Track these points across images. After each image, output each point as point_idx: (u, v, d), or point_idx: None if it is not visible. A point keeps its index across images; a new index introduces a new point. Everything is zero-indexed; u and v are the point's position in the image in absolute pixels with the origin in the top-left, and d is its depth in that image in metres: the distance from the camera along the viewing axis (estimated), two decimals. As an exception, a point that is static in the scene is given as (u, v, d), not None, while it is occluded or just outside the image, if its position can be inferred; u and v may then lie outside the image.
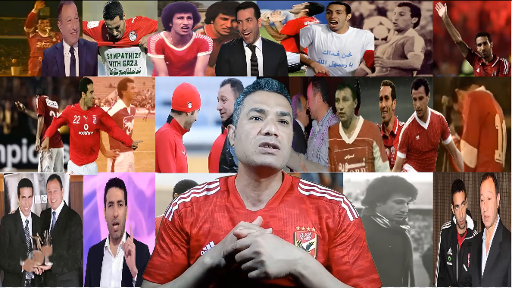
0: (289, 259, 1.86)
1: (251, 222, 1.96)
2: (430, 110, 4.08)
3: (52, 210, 4.09)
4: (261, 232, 1.88)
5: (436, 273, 4.05)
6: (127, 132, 4.19)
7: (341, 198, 2.05)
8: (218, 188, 2.10)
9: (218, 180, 2.13)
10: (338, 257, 2.00)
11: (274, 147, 1.98)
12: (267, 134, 1.98)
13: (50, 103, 4.20)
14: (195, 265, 1.96)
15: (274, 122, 2.00)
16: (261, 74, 4.11)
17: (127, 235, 4.04)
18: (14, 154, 4.19)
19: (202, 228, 2.04)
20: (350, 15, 4.16)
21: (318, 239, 2.00)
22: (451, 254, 4.01)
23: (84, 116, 4.13)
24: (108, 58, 4.19)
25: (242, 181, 2.05)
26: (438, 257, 4.05)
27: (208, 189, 2.11)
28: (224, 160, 3.98)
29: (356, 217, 2.05)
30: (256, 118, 2.01)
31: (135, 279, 4.01)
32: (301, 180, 2.10)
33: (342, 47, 4.15)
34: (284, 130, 2.01)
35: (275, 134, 1.98)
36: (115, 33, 4.17)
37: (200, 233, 2.04)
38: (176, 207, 2.10)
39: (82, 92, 4.13)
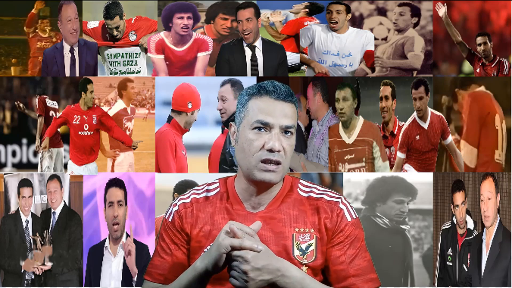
0: (270, 278, 1.88)
1: (251, 223, 1.96)
2: (430, 110, 4.08)
3: (52, 210, 4.09)
4: (252, 233, 1.89)
5: (436, 273, 4.05)
6: (127, 132, 4.20)
7: (339, 199, 2.05)
8: (218, 189, 2.10)
9: (218, 181, 2.12)
10: (335, 256, 2.00)
11: (276, 163, 1.96)
12: (271, 150, 1.95)
13: (50, 103, 4.20)
14: (189, 269, 1.96)
15: (278, 136, 1.96)
16: (261, 74, 4.11)
17: (127, 235, 4.04)
18: (14, 154, 4.19)
19: (202, 229, 2.04)
20: (350, 15, 4.16)
21: (317, 240, 2.00)
22: (451, 254, 4.01)
23: (84, 116, 4.13)
24: (108, 58, 4.19)
25: (241, 184, 2.04)
26: (438, 257, 4.05)
27: (208, 190, 2.11)
28: (224, 160, 3.98)
29: (354, 217, 2.04)
30: (260, 129, 1.97)
31: (135, 279, 4.01)
32: (300, 181, 2.10)
33: (342, 47, 4.15)
34: (288, 142, 1.97)
35: (278, 150, 1.96)
36: (115, 33, 4.17)
37: (201, 235, 2.04)
38: (176, 207, 2.10)
39: (82, 92, 4.13)
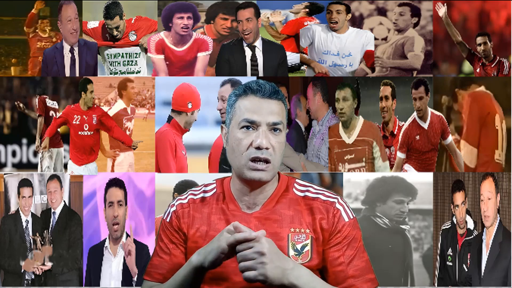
0: (285, 267, 1.86)
1: (246, 224, 1.96)
2: (430, 110, 4.07)
3: (52, 210, 4.10)
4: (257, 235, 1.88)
5: (436, 273, 4.05)
6: (127, 132, 4.20)
7: (336, 199, 2.05)
8: (215, 190, 2.10)
9: (215, 181, 2.13)
10: (333, 258, 2.00)
11: (265, 161, 1.96)
12: (258, 148, 1.96)
13: (50, 103, 4.21)
14: (185, 264, 1.96)
15: (266, 134, 1.96)
16: (261, 74, 4.11)
17: (127, 235, 4.04)
18: (14, 154, 4.20)
19: (199, 230, 2.05)
20: (350, 15, 4.16)
21: (312, 241, 2.00)
22: (451, 254, 4.01)
23: (84, 116, 4.14)
24: (108, 58, 4.19)
25: (235, 184, 2.05)
26: (438, 257, 4.05)
27: (205, 191, 2.11)
28: (224, 160, 3.98)
29: (352, 217, 2.04)
30: (248, 128, 1.98)
31: (135, 279, 4.01)
32: (296, 180, 2.10)
33: (342, 47, 4.15)
34: (276, 139, 1.98)
35: (266, 148, 1.96)
36: (115, 33, 4.17)
37: (198, 235, 2.04)
38: (174, 208, 2.11)
39: (82, 92, 4.13)
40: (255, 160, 1.96)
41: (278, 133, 1.99)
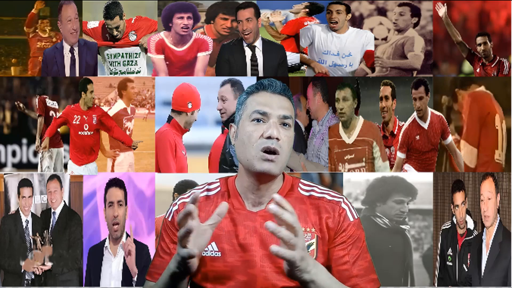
0: (309, 263, 1.82)
1: (252, 222, 1.98)
2: (430, 110, 4.08)
3: (52, 210, 4.09)
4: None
5: (436, 273, 4.05)
6: (127, 132, 4.20)
7: (341, 199, 2.06)
8: (219, 188, 2.10)
9: (218, 180, 2.13)
10: (338, 256, 2.00)
11: (275, 152, 1.97)
12: (269, 138, 1.97)
13: (50, 103, 4.20)
14: (166, 270, 1.93)
15: (276, 125, 1.99)
16: (261, 74, 4.11)
17: (127, 235, 4.04)
18: (14, 154, 4.19)
19: (203, 228, 2.04)
20: (350, 15, 4.16)
21: (317, 240, 2.00)
22: (451, 254, 4.01)
23: (84, 116, 4.13)
24: (108, 58, 4.19)
25: (242, 182, 2.05)
26: (438, 257, 4.05)
27: (208, 190, 2.11)
28: (224, 160, 3.98)
29: (356, 217, 2.05)
30: (258, 120, 2.00)
31: (135, 279, 4.01)
32: (301, 180, 2.11)
33: (342, 47, 4.16)
34: (286, 133, 2.00)
35: (277, 138, 1.97)
36: (115, 33, 4.17)
37: (201, 234, 2.04)
38: (176, 207, 2.10)
39: (82, 92, 4.13)
40: (265, 151, 1.96)
41: (288, 127, 2.02)
